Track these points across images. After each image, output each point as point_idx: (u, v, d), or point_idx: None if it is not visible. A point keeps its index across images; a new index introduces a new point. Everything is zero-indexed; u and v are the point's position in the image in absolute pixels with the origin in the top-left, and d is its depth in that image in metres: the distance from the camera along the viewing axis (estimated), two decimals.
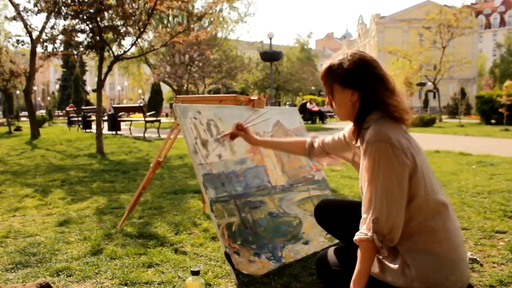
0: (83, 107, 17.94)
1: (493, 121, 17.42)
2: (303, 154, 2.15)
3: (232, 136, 2.24)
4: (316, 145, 2.08)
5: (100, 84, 8.24)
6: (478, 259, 2.28)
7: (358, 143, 1.69)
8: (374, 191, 1.51)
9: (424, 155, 1.63)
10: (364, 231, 1.51)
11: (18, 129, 16.13)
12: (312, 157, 2.13)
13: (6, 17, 13.04)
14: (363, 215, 1.54)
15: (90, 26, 7.72)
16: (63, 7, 7.66)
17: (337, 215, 1.97)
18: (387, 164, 1.49)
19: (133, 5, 7.77)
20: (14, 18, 9.95)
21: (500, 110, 15.52)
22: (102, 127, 8.49)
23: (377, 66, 1.62)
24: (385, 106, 1.59)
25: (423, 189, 1.54)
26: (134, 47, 11.21)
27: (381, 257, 1.59)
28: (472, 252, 2.41)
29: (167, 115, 35.12)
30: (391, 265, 1.57)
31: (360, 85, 1.60)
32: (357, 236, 1.53)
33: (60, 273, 2.21)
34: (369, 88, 1.60)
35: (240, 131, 2.21)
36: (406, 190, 1.51)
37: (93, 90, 39.25)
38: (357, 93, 1.61)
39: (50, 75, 64.75)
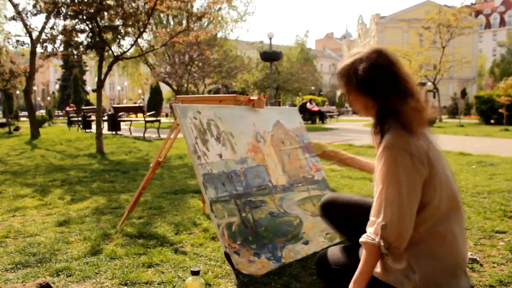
0: (83, 107, 17.95)
1: (492, 121, 17.42)
2: None
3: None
4: None
5: (100, 84, 8.23)
6: (478, 259, 2.28)
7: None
8: (386, 197, 1.48)
9: (443, 157, 1.59)
10: (371, 235, 1.49)
11: (16, 129, 16.12)
12: None
13: (5, 17, 13.05)
14: (372, 218, 1.52)
15: (90, 26, 7.72)
16: (62, 7, 7.66)
17: (344, 209, 1.93)
18: (402, 171, 1.46)
19: (133, 5, 7.77)
20: (13, 18, 9.95)
21: (500, 110, 15.52)
22: (102, 127, 8.50)
23: (397, 68, 1.57)
24: (401, 114, 1.54)
25: (438, 196, 1.51)
26: (133, 47, 11.21)
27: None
28: (472, 252, 2.41)
29: (167, 115, 35.12)
30: (396, 268, 1.55)
31: (377, 94, 1.57)
32: (363, 239, 1.51)
33: (60, 273, 2.21)
34: (385, 98, 1.56)
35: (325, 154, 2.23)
36: (419, 199, 1.48)
37: (93, 90, 39.22)
38: (376, 102, 1.58)
39: (50, 75, 64.70)
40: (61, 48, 8.51)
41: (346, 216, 1.93)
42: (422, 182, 1.49)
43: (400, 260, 1.55)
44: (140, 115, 14.50)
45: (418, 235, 1.52)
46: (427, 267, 1.51)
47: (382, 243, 1.47)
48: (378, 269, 1.58)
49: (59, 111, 38.87)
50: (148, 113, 15.86)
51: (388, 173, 1.49)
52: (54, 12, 7.75)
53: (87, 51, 8.20)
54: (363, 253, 1.53)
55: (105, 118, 13.72)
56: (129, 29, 8.01)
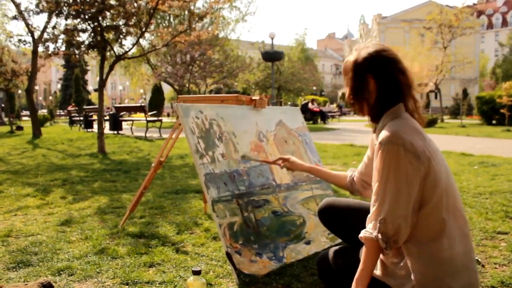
0: (85, 107, 17.97)
1: (494, 121, 17.37)
2: (347, 190, 2.10)
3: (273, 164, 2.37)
4: (355, 178, 2.02)
5: (102, 83, 8.24)
6: (479, 260, 2.28)
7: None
8: (383, 192, 1.49)
9: (441, 157, 1.59)
10: (370, 230, 1.51)
11: (18, 128, 16.14)
12: (357, 193, 2.06)
13: (5, 16, 13.12)
14: (370, 214, 1.54)
15: (92, 25, 7.73)
16: (64, 7, 7.67)
17: (341, 214, 1.95)
18: (398, 167, 1.47)
19: (135, 5, 7.77)
20: (15, 17, 9.96)
21: (502, 110, 15.47)
22: (103, 126, 8.50)
23: (402, 65, 1.62)
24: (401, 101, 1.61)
25: (438, 194, 1.51)
26: (135, 47, 11.22)
27: (384, 259, 1.58)
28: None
29: (168, 115, 35.15)
30: (395, 269, 1.55)
31: (380, 76, 1.60)
32: (362, 234, 1.53)
33: (61, 272, 2.21)
34: (388, 81, 1.59)
35: (284, 162, 2.26)
36: (415, 194, 1.48)
37: (95, 90, 39.25)
38: (376, 84, 1.60)
39: (52, 74, 64.76)
40: (63, 48, 8.53)
41: (344, 221, 1.94)
42: (419, 177, 1.48)
43: (400, 262, 1.55)
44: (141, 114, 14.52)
45: (417, 234, 1.52)
46: (426, 267, 1.50)
47: (380, 237, 1.48)
48: (378, 271, 1.58)
49: (61, 111, 38.90)
50: (150, 113, 15.88)
51: (384, 169, 1.50)
52: (56, 12, 7.77)
53: (89, 51, 8.21)
54: (363, 251, 1.54)
55: (107, 117, 13.74)
56: (131, 29, 8.02)
